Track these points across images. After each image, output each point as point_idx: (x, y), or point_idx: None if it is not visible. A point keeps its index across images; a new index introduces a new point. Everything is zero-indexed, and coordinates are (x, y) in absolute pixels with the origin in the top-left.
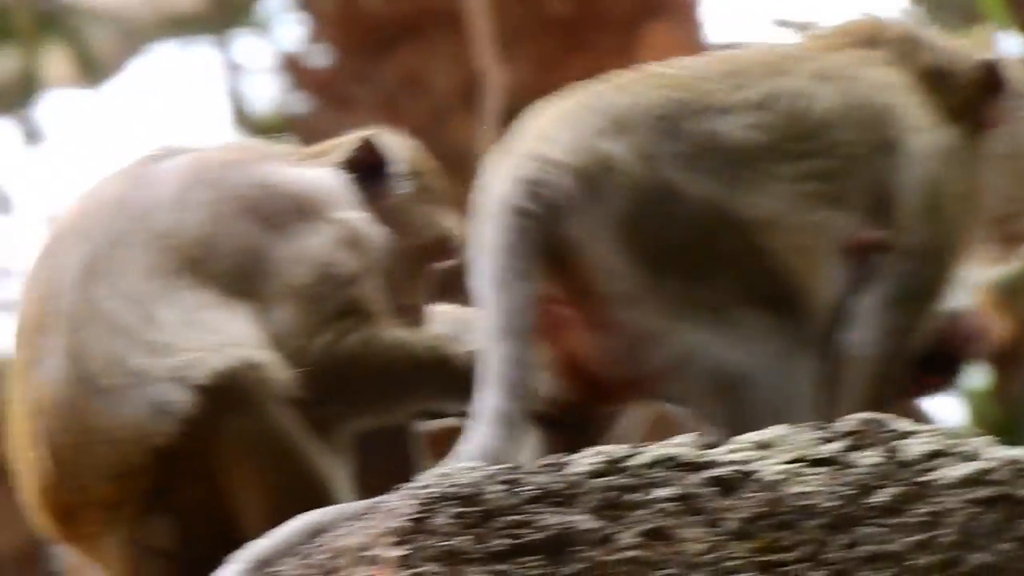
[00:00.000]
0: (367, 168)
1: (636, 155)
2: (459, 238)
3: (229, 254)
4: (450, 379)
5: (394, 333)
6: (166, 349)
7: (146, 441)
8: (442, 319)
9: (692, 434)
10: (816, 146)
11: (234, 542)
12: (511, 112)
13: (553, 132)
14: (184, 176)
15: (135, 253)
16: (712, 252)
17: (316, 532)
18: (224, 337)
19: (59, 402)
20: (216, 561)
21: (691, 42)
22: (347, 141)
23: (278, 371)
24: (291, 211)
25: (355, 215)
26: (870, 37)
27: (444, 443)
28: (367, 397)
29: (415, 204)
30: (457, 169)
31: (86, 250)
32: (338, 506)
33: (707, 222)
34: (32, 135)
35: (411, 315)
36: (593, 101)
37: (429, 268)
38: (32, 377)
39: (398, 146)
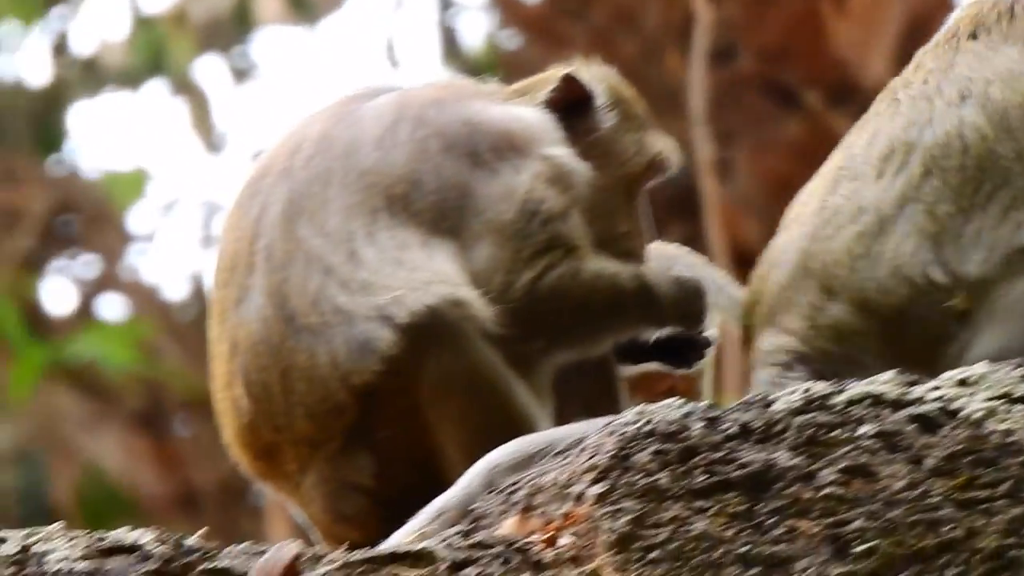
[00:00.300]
0: (571, 104)
1: None
2: (670, 158)
3: (433, 191)
4: (651, 306)
5: (596, 264)
6: (369, 287)
7: (347, 379)
8: (652, 254)
9: (895, 371)
10: None
11: (432, 479)
12: (721, 49)
13: None
14: (388, 114)
15: (339, 191)
16: None
17: (544, 451)
18: (427, 275)
19: (260, 341)
20: (413, 498)
21: None
22: (549, 77)
23: (480, 308)
24: (496, 148)
25: (561, 151)
26: None
27: (643, 387)
28: (570, 331)
29: (622, 134)
30: (668, 107)
31: (290, 188)
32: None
33: None
34: (244, 73)
35: (627, 244)
36: None
37: (643, 195)
38: (233, 316)
39: (599, 78)
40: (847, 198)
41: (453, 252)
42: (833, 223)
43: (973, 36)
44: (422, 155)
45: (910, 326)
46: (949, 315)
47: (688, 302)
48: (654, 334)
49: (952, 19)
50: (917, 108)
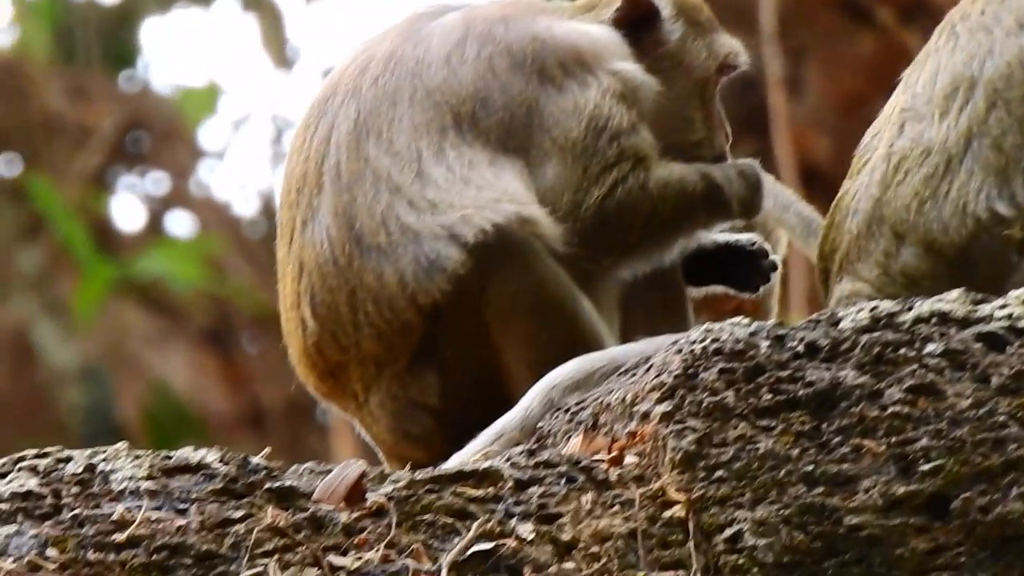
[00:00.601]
0: (637, 20)
1: None
2: (739, 55)
3: (500, 108)
4: (720, 203)
5: (662, 171)
6: (437, 206)
7: (415, 299)
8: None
9: (962, 290)
10: None
11: (497, 398)
12: None
13: None
14: (456, 31)
15: (407, 110)
16: None
17: (615, 369)
18: (495, 193)
19: (327, 261)
20: (478, 416)
21: None
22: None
23: (548, 226)
24: (564, 64)
25: (628, 66)
26: None
27: (709, 307)
28: (640, 242)
29: (690, 42)
30: (738, 23)
31: (358, 108)
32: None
33: None
34: None
35: (707, 151)
36: None
37: (717, 97)
38: (300, 237)
39: None
40: (913, 141)
41: (521, 170)
42: (902, 168)
43: None
44: (489, 73)
45: (976, 264)
46: (1011, 245)
47: (751, 192)
48: (720, 232)
49: None
50: (976, 40)
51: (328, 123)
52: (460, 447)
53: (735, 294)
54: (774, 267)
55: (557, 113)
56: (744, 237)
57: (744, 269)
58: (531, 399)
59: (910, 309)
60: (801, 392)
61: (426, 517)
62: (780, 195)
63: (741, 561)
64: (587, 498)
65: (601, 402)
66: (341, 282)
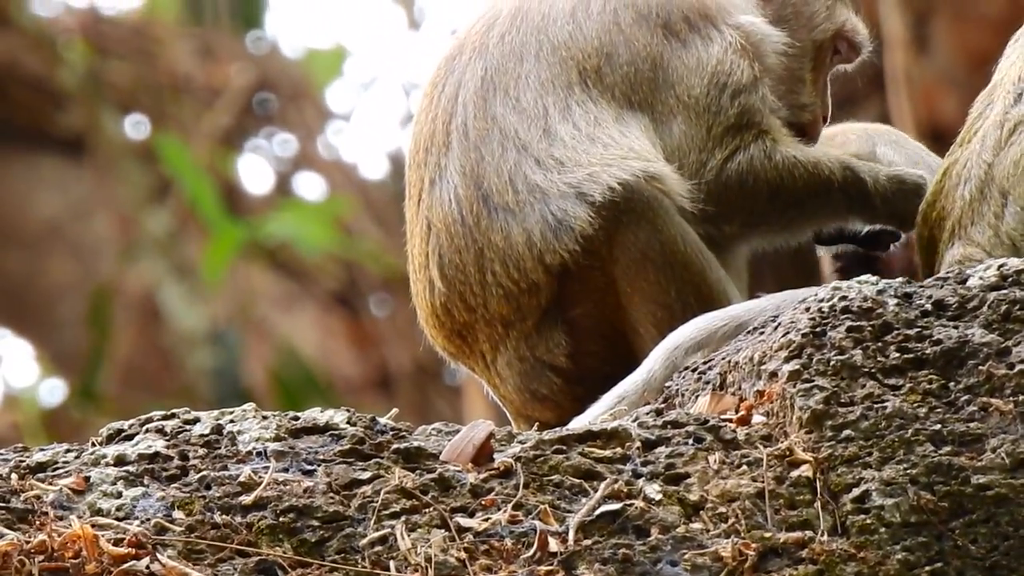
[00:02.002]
0: None
1: None
2: (857, 28)
3: (625, 63)
4: (862, 199)
5: (793, 149)
6: (564, 164)
7: (543, 259)
8: (854, 133)
9: None
10: None
11: (625, 358)
12: None
13: None
14: None
15: (533, 66)
16: None
17: (737, 328)
18: (622, 151)
19: (455, 221)
20: (607, 376)
21: None
22: None
23: (677, 183)
24: (688, 18)
25: (753, 19)
26: None
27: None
28: (766, 216)
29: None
30: None
31: (484, 66)
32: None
33: None
34: None
35: (806, 115)
36: None
37: (828, 70)
38: (428, 197)
39: None
40: None
41: (647, 126)
42: (1017, 131)
43: None
44: (614, 27)
45: None
46: None
47: (905, 200)
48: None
49: None
50: None
51: (455, 81)
52: (588, 406)
53: (865, 252)
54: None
55: (681, 69)
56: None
57: (875, 231)
58: (654, 361)
59: None
60: (929, 350)
61: (553, 478)
62: (911, 150)
63: (868, 521)
64: (714, 458)
65: (728, 361)
66: (469, 242)
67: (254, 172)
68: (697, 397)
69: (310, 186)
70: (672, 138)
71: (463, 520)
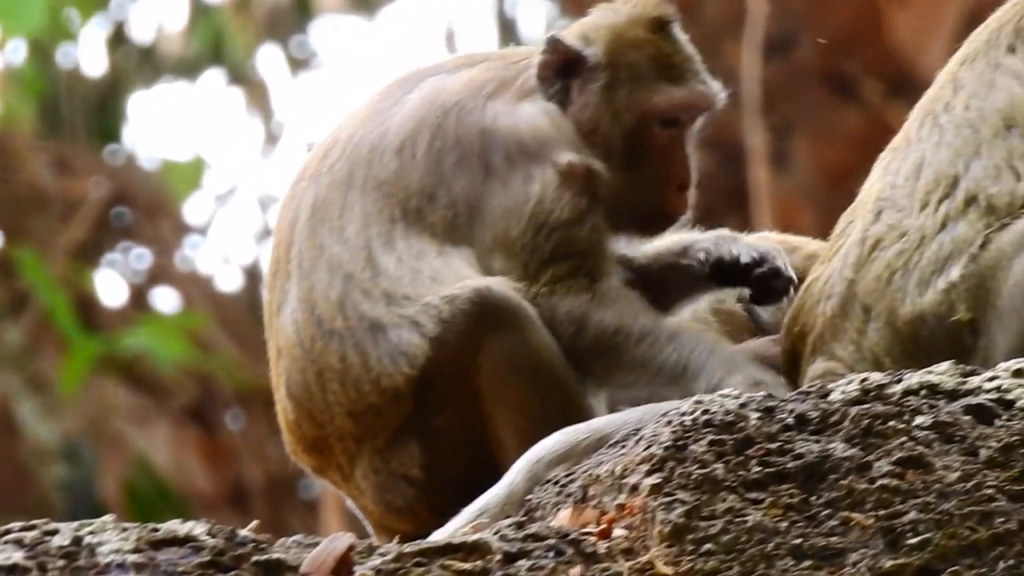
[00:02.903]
0: (566, 65)
1: None
2: (674, 105)
3: (446, 205)
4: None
5: (611, 287)
6: (390, 296)
7: (380, 382)
8: (713, 236)
9: (951, 362)
10: None
11: (488, 466)
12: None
13: None
14: (412, 120)
15: (358, 198)
16: None
17: (599, 441)
18: (453, 276)
19: (295, 344)
20: (469, 486)
21: None
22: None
23: (518, 297)
24: (509, 157)
25: (570, 156)
26: None
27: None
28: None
29: (620, 91)
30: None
31: (315, 194)
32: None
33: None
34: (303, 63)
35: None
36: None
37: (674, 138)
38: (276, 321)
39: (596, 32)
40: (890, 227)
41: (470, 258)
42: (878, 247)
43: (1012, 50)
44: (437, 167)
45: (934, 343)
46: (962, 326)
47: (742, 383)
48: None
49: (994, 22)
50: (962, 137)
51: (294, 207)
52: (446, 518)
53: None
54: (789, 284)
55: (499, 210)
56: (757, 255)
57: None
58: (515, 473)
59: (899, 381)
60: (790, 464)
61: None
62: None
63: None
64: (575, 571)
65: (590, 474)
66: (308, 364)
67: (111, 285)
68: (559, 510)
69: (166, 299)
70: (494, 273)
71: None
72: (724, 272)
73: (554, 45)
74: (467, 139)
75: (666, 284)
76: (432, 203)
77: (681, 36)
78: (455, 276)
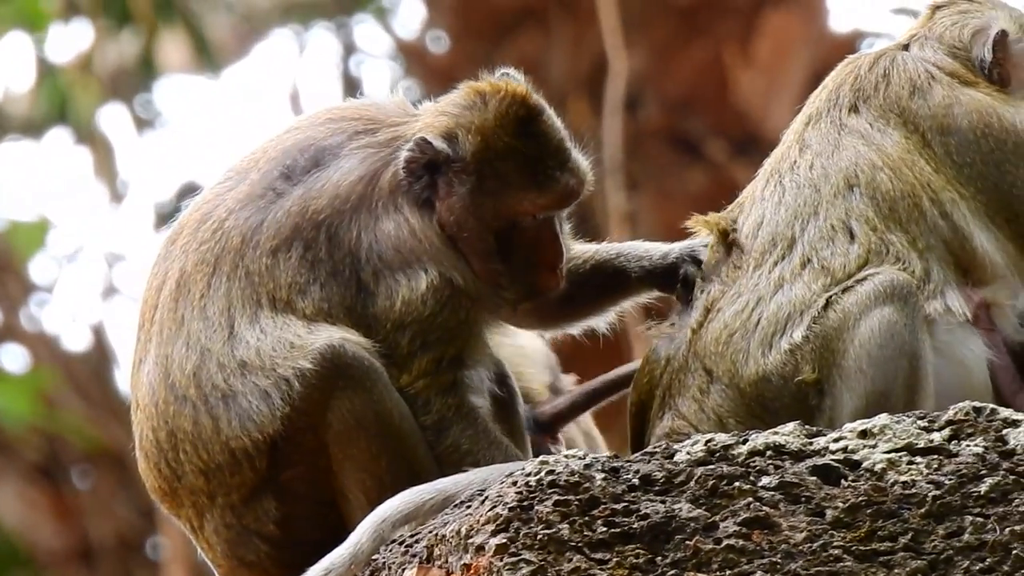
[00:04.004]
0: (431, 164)
1: None
2: (536, 206)
3: (321, 299)
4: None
5: (471, 441)
6: (247, 364)
7: (229, 444)
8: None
9: (797, 423)
10: None
11: (336, 523)
12: (626, 100)
13: None
14: (288, 227)
15: (223, 283)
16: None
17: (444, 501)
18: (312, 339)
19: (150, 402)
20: (318, 542)
21: (812, 32)
22: (411, 133)
23: (370, 357)
24: (377, 273)
25: (433, 270)
26: None
27: None
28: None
29: (483, 193)
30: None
31: (182, 266)
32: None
33: None
34: (148, 122)
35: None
36: None
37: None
38: (136, 375)
39: (460, 133)
40: (726, 285)
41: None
42: (714, 307)
43: (854, 109)
44: (311, 273)
45: (779, 404)
46: (807, 388)
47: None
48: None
49: (831, 82)
50: (802, 197)
51: (164, 271)
52: (296, 572)
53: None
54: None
55: (369, 319)
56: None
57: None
58: (361, 533)
59: (745, 442)
60: (636, 525)
61: None
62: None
63: None
64: None
65: (436, 534)
66: (161, 423)
67: None
68: (404, 570)
69: (13, 358)
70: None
71: None
72: (655, 273)
73: (422, 146)
74: (338, 256)
75: (596, 283)
76: (304, 296)
77: (548, 125)
78: (317, 337)
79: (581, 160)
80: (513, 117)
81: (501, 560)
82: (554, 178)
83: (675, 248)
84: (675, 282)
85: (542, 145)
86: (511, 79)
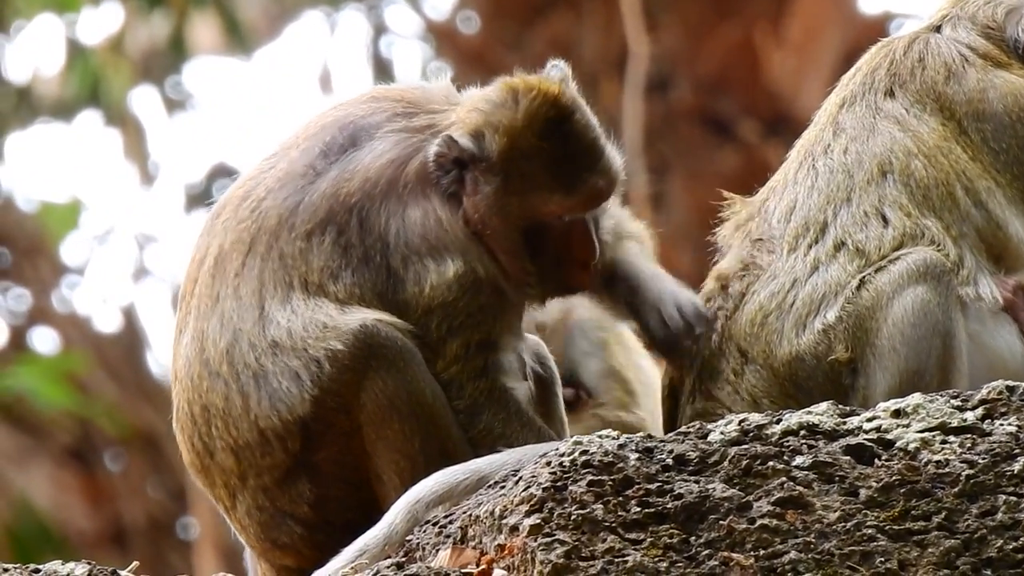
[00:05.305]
0: (458, 160)
1: None
2: (562, 209)
3: (353, 284)
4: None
5: (502, 423)
6: (278, 344)
7: (259, 423)
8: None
9: (830, 402)
10: None
11: (368, 504)
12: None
13: None
14: (320, 211)
15: (257, 263)
16: None
17: (479, 481)
18: (348, 318)
19: (186, 375)
20: (350, 523)
21: (843, 12)
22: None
23: (404, 337)
24: (405, 260)
25: (459, 261)
26: None
27: None
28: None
29: (507, 193)
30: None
31: (221, 243)
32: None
33: None
34: (179, 103)
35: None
36: None
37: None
38: (177, 345)
39: (488, 132)
40: (762, 269)
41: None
42: (750, 289)
43: (890, 94)
44: (343, 258)
45: (812, 383)
46: (840, 367)
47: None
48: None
49: (866, 65)
50: (835, 183)
51: (206, 245)
52: (327, 554)
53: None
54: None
55: (400, 304)
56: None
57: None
58: (395, 514)
59: (779, 422)
60: (670, 505)
61: None
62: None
63: None
64: None
65: (470, 515)
66: (195, 396)
67: None
68: (438, 551)
69: (45, 340)
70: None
71: None
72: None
73: (449, 143)
74: (368, 242)
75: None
76: (336, 281)
77: (579, 125)
78: (351, 318)
79: (613, 159)
80: (542, 118)
81: (535, 540)
82: (582, 179)
83: (685, 307)
84: (677, 352)
85: (570, 146)
86: (549, 75)
